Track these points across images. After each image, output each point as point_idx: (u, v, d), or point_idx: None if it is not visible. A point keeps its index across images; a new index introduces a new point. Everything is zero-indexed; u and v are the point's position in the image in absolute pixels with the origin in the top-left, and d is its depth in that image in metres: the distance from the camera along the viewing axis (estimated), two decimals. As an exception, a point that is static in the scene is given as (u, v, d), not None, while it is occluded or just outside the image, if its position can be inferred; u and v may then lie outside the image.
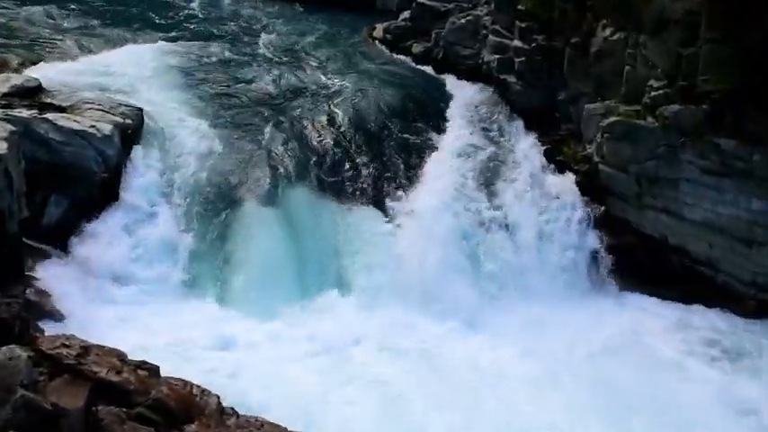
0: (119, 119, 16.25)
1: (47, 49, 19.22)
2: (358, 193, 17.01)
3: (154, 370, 9.92)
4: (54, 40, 19.93)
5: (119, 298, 14.81)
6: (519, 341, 14.97)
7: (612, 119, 17.31)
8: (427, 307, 15.48)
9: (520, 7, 19.15)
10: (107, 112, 16.29)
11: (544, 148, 18.35)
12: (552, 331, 15.30)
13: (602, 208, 17.47)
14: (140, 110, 16.78)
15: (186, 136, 16.99)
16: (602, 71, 17.77)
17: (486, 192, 17.34)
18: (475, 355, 14.64)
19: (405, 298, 15.55)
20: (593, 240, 17.12)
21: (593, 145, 17.81)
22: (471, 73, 20.29)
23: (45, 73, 17.25)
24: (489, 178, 17.63)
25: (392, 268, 15.92)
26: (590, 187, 17.60)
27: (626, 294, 16.74)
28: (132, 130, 16.40)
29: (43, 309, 13.58)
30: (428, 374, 13.98)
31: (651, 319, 16.00)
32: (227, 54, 20.63)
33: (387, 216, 16.73)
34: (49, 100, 16.30)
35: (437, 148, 18.17)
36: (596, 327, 15.65)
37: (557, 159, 18.14)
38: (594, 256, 16.99)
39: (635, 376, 14.22)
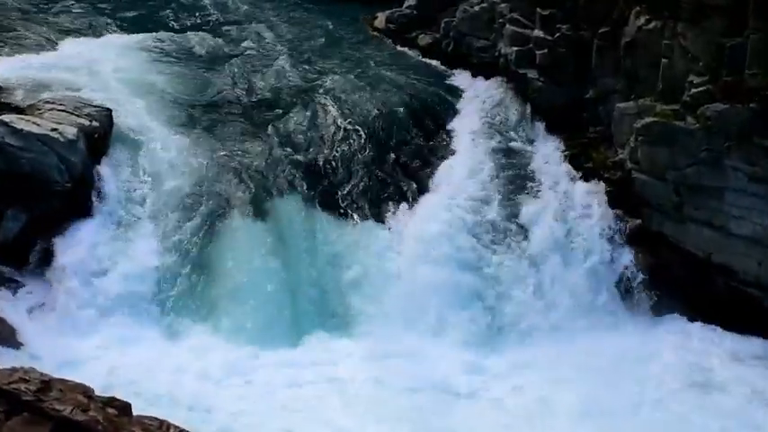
0: (85, 121, 16.26)
1: (3, 41, 19.28)
2: (357, 206, 17.07)
3: (125, 408, 9.88)
4: (11, 30, 20.01)
5: (86, 324, 14.86)
6: (548, 377, 15.05)
7: (647, 119, 17.26)
8: (437, 337, 15.54)
9: (541, -8, 19.15)
10: (71, 114, 16.33)
11: (569, 153, 18.38)
12: (584, 369, 15.37)
13: (637, 221, 17.45)
14: (109, 111, 16.81)
15: (163, 141, 17.04)
16: (635, 65, 17.73)
17: (503, 205, 17.40)
18: (499, 393, 14.73)
19: (410, 326, 15.63)
20: (626, 259, 17.10)
21: (625, 150, 17.78)
22: (486, 67, 20.28)
23: (0, 68, 17.30)
24: (506, 189, 17.67)
25: (395, 292, 16.00)
26: (622, 198, 17.59)
27: (664, 320, 16.73)
28: (100, 134, 16.41)
29: (-3, 336, 13.54)
30: (449, 416, 14.02)
31: (699, 352, 15.96)
32: (210, 48, 20.74)
33: (389, 232, 16.80)
34: (4, 99, 16.34)
35: (447, 154, 18.26)
36: (635, 362, 15.67)
37: (584, 166, 18.15)
38: (628, 276, 17.00)
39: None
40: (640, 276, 17.01)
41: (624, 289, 16.97)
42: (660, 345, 16.00)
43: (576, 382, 14.94)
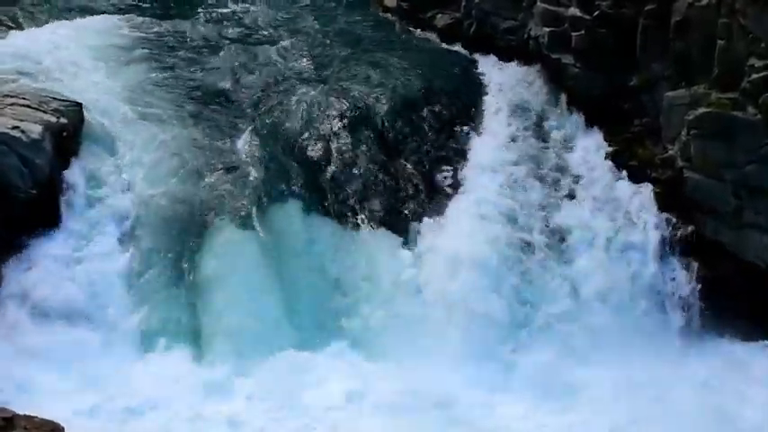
0: (51, 117, 16.29)
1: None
2: (367, 211, 17.07)
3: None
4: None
5: (55, 350, 14.84)
6: (591, 409, 15.09)
7: (701, 110, 17.24)
8: (462, 368, 15.53)
9: (578, -36, 19.13)
10: (36, 109, 16.33)
11: (612, 149, 18.39)
12: (632, 398, 15.34)
13: (690, 228, 17.44)
14: (79, 105, 16.83)
15: (141, 139, 17.08)
16: (687, 48, 17.69)
17: (535, 210, 17.43)
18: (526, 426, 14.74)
19: (430, 352, 15.62)
20: (677, 271, 17.16)
21: (675, 145, 17.80)
22: (514, 52, 20.29)
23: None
24: (538, 191, 17.71)
25: (414, 311, 16.02)
26: (672, 200, 17.59)
27: (721, 341, 16.68)
28: (69, 132, 16.45)
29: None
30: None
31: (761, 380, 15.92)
32: (195, 33, 20.79)
33: (405, 244, 16.81)
34: (-44, 92, 16.35)
35: (470, 153, 18.28)
36: (690, 390, 15.62)
37: (628, 164, 18.16)
38: (679, 291, 17.05)
39: None
40: (694, 291, 17.01)
41: (675, 305, 16.97)
42: (715, 370, 15.99)
43: (622, 413, 14.99)
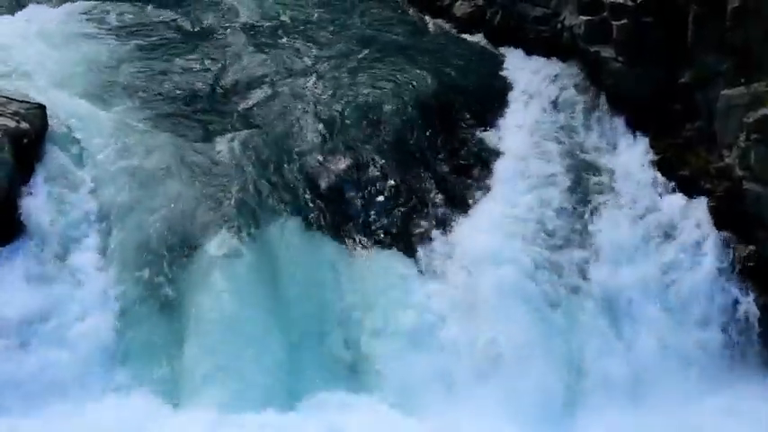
0: (10, 122, 16.25)
1: None
2: (374, 230, 16.92)
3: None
4: None
5: (12, 390, 14.83)
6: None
7: (764, 111, 17.16)
8: (488, 410, 15.30)
9: (620, -57, 19.08)
10: (-7, 112, 16.36)
11: (658, 157, 18.21)
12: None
13: (750, 248, 17.26)
14: (42, 108, 16.78)
15: (113, 146, 17.01)
16: (746, 39, 17.57)
17: (569, 228, 17.32)
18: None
19: (450, 394, 15.51)
20: (735, 296, 16.99)
21: (733, 152, 17.66)
22: (545, 44, 20.12)
23: None
24: (573, 207, 17.58)
25: (429, 347, 15.85)
26: (730, 216, 17.41)
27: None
28: (31, 138, 16.38)
29: None
30: None
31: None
32: (174, 22, 20.83)
33: (420, 266, 16.62)
34: None
35: (495, 161, 18.13)
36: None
37: (678, 174, 17.99)
38: (738, 319, 16.89)
39: None
40: (755, 319, 16.88)
41: (734, 336, 16.86)
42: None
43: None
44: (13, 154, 15.96)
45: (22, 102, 16.69)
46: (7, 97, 16.72)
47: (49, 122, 16.73)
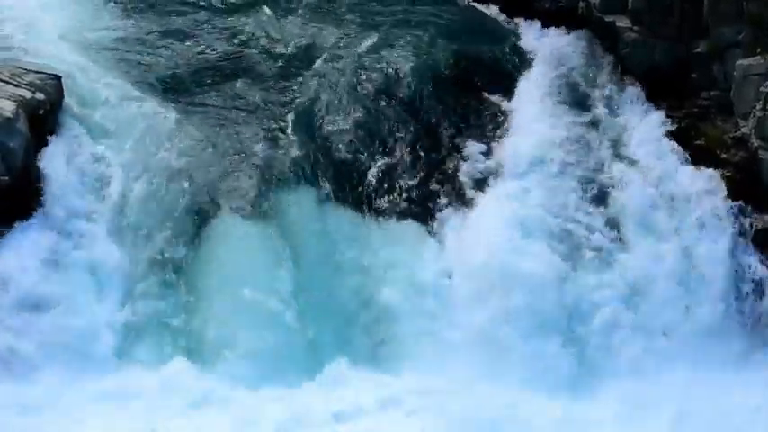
0: (26, 93, 16.32)
1: None
2: (390, 201, 17.10)
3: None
4: None
5: (28, 360, 14.94)
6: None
7: (780, 81, 17.30)
8: (502, 377, 15.54)
9: None
10: (7, 83, 16.38)
11: (674, 127, 18.31)
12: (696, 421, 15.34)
13: (766, 217, 17.41)
14: (58, 78, 16.86)
15: (131, 118, 17.15)
16: (763, 8, 17.66)
17: (588, 200, 17.44)
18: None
19: (465, 362, 15.68)
20: (752, 269, 17.09)
21: (749, 122, 17.75)
22: (560, 15, 20.20)
23: None
24: (591, 178, 17.68)
25: (445, 316, 16.05)
26: (746, 187, 17.55)
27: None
28: (46, 109, 16.48)
29: None
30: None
31: None
32: None
33: (435, 236, 16.80)
34: None
35: (509, 132, 18.24)
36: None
37: (694, 144, 18.08)
38: (755, 291, 16.98)
39: None
40: (770, 290, 17.06)
41: (750, 310, 16.94)
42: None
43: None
44: (29, 125, 16.01)
45: (38, 72, 16.71)
46: (23, 68, 16.75)
47: (66, 95, 16.83)
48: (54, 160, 16.36)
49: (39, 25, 18.48)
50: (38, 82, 16.55)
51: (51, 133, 16.53)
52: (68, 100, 16.90)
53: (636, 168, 17.84)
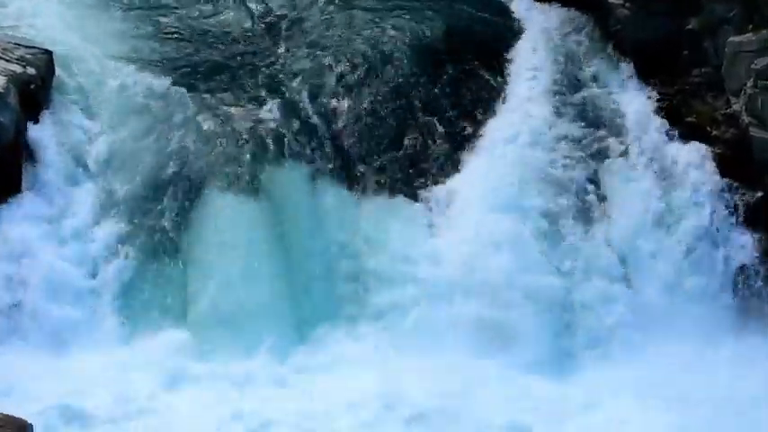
0: (16, 67, 16.33)
1: None
2: (380, 176, 17.16)
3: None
4: None
5: (20, 333, 15.08)
6: (636, 407, 15.07)
7: (772, 57, 17.39)
8: (486, 349, 15.67)
9: None
10: (-2, 58, 16.47)
11: (665, 104, 18.31)
12: (683, 399, 15.34)
13: (757, 195, 17.45)
14: (49, 53, 16.87)
15: (121, 93, 17.17)
16: None
17: (577, 174, 17.47)
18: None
19: (453, 334, 15.78)
20: (741, 245, 17.17)
21: (740, 99, 17.77)
22: None
23: None
24: (581, 153, 17.71)
25: (433, 289, 16.11)
26: (737, 163, 17.56)
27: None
28: (37, 84, 16.47)
29: None
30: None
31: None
32: None
33: (424, 210, 16.88)
34: None
35: (500, 107, 18.25)
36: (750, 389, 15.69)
37: (685, 121, 18.09)
38: (743, 267, 17.09)
39: None
40: (761, 269, 17.06)
41: (738, 286, 17.03)
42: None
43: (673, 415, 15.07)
44: (19, 100, 16.02)
45: (28, 47, 16.69)
46: (14, 42, 16.74)
47: (57, 69, 16.83)
48: (45, 135, 16.40)
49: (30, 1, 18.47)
50: (29, 56, 16.52)
51: (42, 108, 16.54)
52: (60, 74, 16.92)
53: (626, 144, 17.86)
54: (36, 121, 16.39)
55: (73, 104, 16.90)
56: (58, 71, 16.89)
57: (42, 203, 15.99)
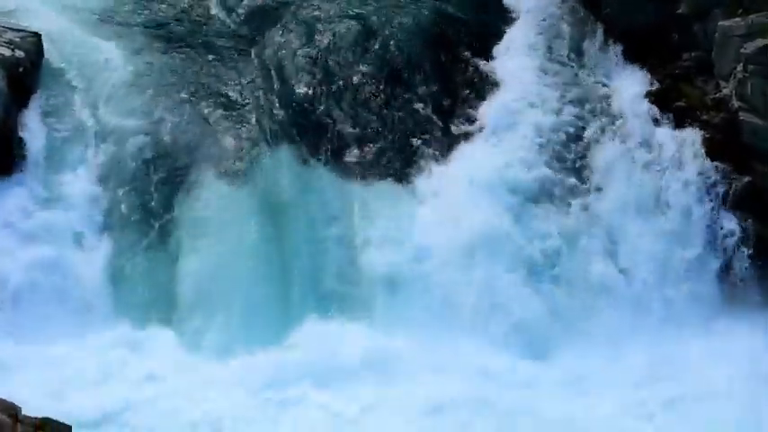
0: (5, 50, 16.35)
1: None
2: (370, 160, 17.20)
3: (63, 431, 9.88)
4: None
5: (8, 320, 15.10)
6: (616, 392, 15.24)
7: (762, 42, 17.26)
8: (474, 332, 15.76)
9: None
10: (-14, 41, 16.47)
11: (655, 88, 18.35)
12: (667, 379, 15.56)
13: (745, 179, 17.44)
14: (38, 36, 16.91)
15: (111, 77, 17.23)
16: None
17: (567, 158, 17.52)
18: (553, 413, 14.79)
19: (440, 317, 15.87)
20: (729, 228, 17.18)
21: (730, 83, 17.80)
22: None
23: None
24: (568, 139, 17.73)
25: (422, 272, 16.16)
26: (726, 148, 17.57)
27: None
28: (26, 67, 16.54)
29: None
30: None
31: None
32: None
33: (415, 194, 16.93)
34: None
35: (490, 91, 18.28)
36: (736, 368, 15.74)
37: (674, 105, 18.11)
38: (731, 250, 17.09)
39: None
40: (748, 252, 17.06)
41: (725, 270, 17.05)
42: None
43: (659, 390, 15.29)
44: (9, 83, 16.06)
45: (17, 30, 16.73)
46: (2, 26, 16.74)
47: (46, 53, 16.91)
48: (34, 117, 16.49)
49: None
50: (17, 40, 16.57)
51: (31, 91, 16.62)
52: (48, 57, 16.97)
53: (616, 128, 17.86)
54: (26, 103, 16.47)
55: (62, 87, 16.95)
56: (46, 54, 16.96)
57: (33, 185, 16.05)
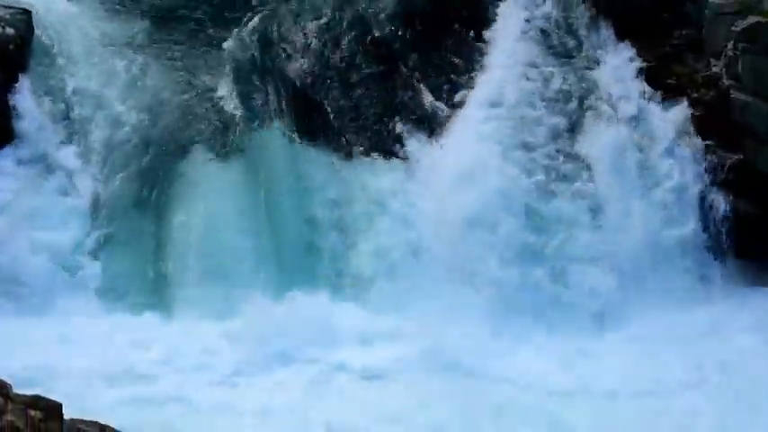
0: None
1: None
2: (359, 136, 17.23)
3: (54, 408, 9.88)
4: None
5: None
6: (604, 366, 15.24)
7: (753, 19, 17.28)
8: (466, 307, 15.74)
9: None
10: (-25, 18, 16.48)
11: (646, 65, 18.34)
12: (655, 355, 15.53)
13: (736, 157, 17.48)
14: (28, 13, 16.90)
15: (100, 53, 17.21)
16: None
17: (553, 136, 17.54)
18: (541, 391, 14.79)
19: (430, 295, 15.83)
20: (718, 207, 17.28)
21: (721, 61, 17.83)
22: None
23: None
24: (561, 114, 17.78)
25: (413, 248, 16.25)
26: (716, 125, 17.61)
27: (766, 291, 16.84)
28: (17, 44, 16.51)
29: None
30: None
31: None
32: None
33: (404, 170, 16.97)
34: None
35: (480, 67, 18.32)
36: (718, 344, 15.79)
37: (665, 83, 18.13)
38: (720, 230, 17.20)
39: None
40: (737, 231, 17.15)
41: (715, 248, 17.17)
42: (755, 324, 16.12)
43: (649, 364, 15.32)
44: None
45: (6, 7, 16.69)
46: None
47: (36, 30, 16.85)
48: (25, 95, 16.48)
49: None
50: (7, 17, 16.55)
51: (22, 68, 16.59)
52: (39, 34, 16.93)
53: (607, 106, 17.89)
54: (15, 81, 16.42)
55: (52, 64, 16.90)
56: (36, 31, 16.91)
57: (23, 164, 16.12)
